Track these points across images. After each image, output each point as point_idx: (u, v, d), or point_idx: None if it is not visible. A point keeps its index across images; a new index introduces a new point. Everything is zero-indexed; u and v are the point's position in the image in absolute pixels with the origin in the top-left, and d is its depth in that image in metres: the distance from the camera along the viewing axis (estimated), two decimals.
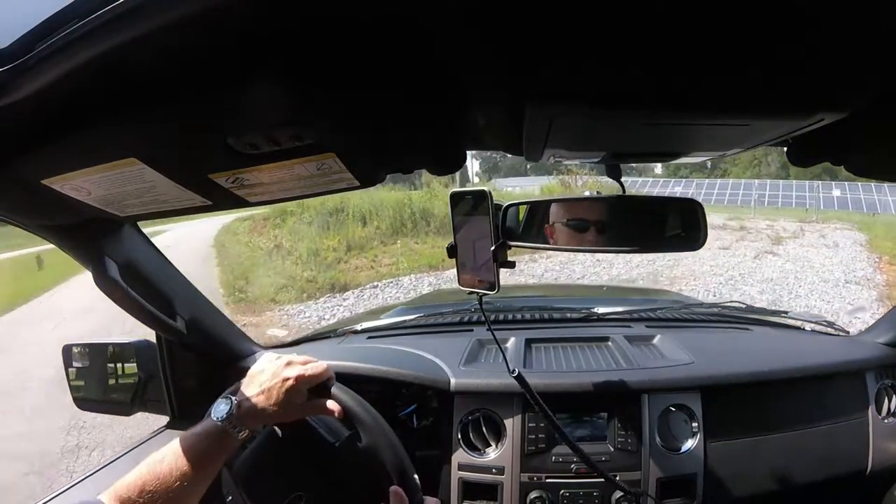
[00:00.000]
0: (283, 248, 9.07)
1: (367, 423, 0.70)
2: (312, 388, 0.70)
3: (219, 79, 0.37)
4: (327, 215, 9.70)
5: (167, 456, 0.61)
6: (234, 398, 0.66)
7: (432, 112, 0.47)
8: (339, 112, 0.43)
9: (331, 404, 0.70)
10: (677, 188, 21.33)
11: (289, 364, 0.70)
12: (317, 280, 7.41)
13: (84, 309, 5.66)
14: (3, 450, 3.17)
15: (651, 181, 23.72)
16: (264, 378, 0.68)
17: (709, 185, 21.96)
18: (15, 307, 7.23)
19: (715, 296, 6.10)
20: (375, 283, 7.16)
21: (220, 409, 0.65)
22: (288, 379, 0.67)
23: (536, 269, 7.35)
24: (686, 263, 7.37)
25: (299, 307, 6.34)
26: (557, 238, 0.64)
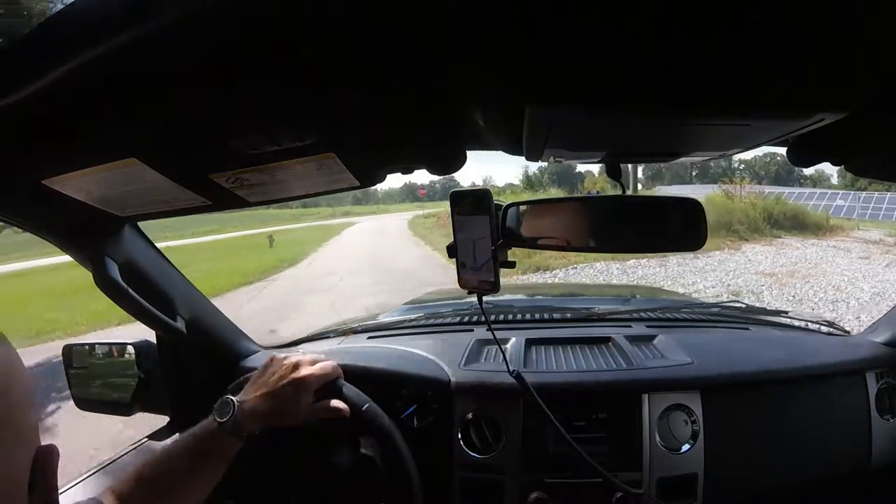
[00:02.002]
0: None
1: (376, 428, 0.69)
2: (320, 389, 0.68)
3: (219, 79, 0.37)
4: None
5: (167, 455, 0.60)
6: (236, 399, 0.65)
7: (432, 112, 0.47)
8: (339, 112, 0.43)
9: (339, 405, 0.68)
10: (842, 202, 19.51)
11: (297, 366, 0.68)
12: (522, 262, 8.50)
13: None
14: None
15: (818, 192, 22.48)
16: (271, 379, 0.67)
17: (877, 199, 19.38)
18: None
19: (835, 287, 6.75)
20: (575, 266, 8.55)
21: (222, 409, 0.64)
22: (296, 381, 0.66)
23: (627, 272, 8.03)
24: (822, 266, 8.54)
25: (522, 277, 7.83)
26: (558, 238, 0.65)
